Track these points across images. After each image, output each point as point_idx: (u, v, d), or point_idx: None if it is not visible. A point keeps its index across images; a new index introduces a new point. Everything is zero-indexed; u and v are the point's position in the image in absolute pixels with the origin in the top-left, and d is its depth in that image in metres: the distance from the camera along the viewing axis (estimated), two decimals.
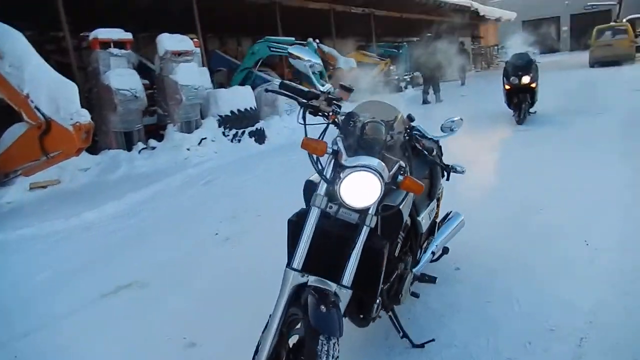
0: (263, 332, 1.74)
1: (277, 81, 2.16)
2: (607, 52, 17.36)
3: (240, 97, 8.35)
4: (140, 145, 7.34)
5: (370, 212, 1.74)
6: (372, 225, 1.75)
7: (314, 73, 1.88)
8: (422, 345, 2.21)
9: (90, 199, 5.39)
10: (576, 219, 3.56)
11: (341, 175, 1.69)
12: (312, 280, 1.69)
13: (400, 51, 16.10)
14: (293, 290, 1.69)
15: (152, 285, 3.25)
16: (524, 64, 7.95)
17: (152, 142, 7.49)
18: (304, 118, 1.83)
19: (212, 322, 2.67)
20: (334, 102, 1.83)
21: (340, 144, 1.72)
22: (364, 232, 1.74)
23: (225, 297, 2.94)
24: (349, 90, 1.87)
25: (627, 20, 21.28)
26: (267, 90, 1.92)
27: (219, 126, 8.07)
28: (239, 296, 2.90)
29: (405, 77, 16.73)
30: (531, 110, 8.02)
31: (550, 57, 23.45)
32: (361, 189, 1.68)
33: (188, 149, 7.37)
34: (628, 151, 5.32)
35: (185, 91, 7.54)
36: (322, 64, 1.99)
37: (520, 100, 7.70)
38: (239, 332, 2.32)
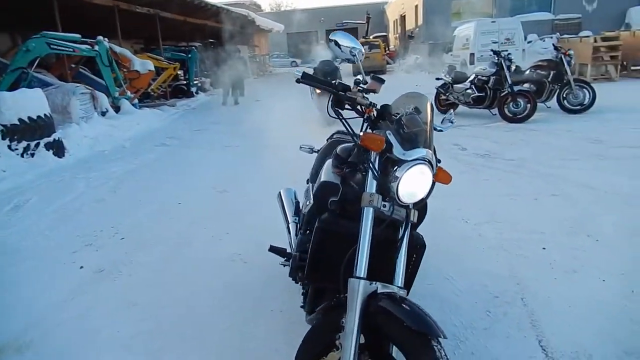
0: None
1: (298, 70, 1.86)
2: (365, 63, 20.24)
3: (29, 103, 6.85)
4: None
5: (411, 207, 1.69)
6: (415, 220, 1.70)
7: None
8: None
9: None
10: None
11: (398, 170, 1.60)
12: (380, 287, 1.55)
13: (190, 55, 15.60)
14: (365, 302, 1.52)
15: None
16: (331, 70, 8.72)
17: None
18: (335, 111, 1.66)
19: None
20: (366, 94, 1.72)
21: (393, 138, 1.62)
22: (409, 228, 1.68)
23: None
24: (381, 81, 1.77)
25: (375, 37, 25.24)
26: (298, 81, 1.66)
27: (3, 138, 6.48)
28: None
29: (196, 81, 16.32)
30: None
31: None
32: (417, 182, 1.62)
33: None
34: None
35: None
36: (363, 50, 1.84)
37: None
38: None
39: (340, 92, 1.68)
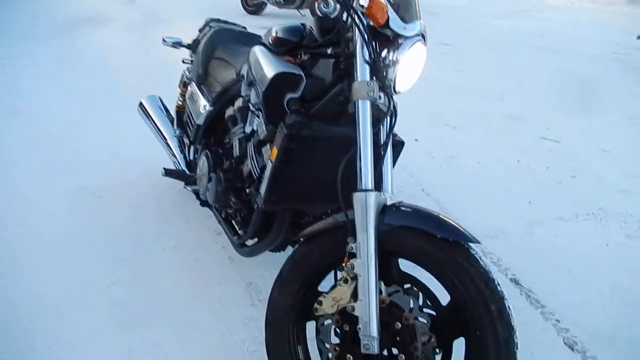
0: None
1: None
2: None
3: None
4: None
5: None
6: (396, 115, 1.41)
7: None
8: None
9: None
10: None
11: (395, 50, 1.25)
12: (389, 198, 1.26)
13: None
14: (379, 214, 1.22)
15: None
16: None
17: None
18: None
19: None
20: None
21: (390, 6, 1.23)
22: (395, 125, 1.39)
23: None
24: None
25: None
26: None
27: None
28: None
29: None
30: None
31: None
32: (414, 64, 1.30)
33: None
34: None
35: None
36: None
37: None
38: None
39: None
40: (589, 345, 1.62)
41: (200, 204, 2.02)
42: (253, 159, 1.56)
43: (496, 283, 1.14)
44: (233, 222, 1.82)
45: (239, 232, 1.77)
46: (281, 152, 1.35)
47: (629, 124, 3.89)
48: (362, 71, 1.24)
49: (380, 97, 1.27)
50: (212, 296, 1.86)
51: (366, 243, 1.18)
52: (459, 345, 1.19)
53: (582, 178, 2.88)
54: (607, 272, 2.03)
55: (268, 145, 1.49)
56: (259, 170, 1.53)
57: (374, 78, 1.25)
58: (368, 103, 1.24)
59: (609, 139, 3.48)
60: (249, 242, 1.73)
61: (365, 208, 1.19)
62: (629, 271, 2.05)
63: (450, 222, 1.21)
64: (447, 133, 3.45)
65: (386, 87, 1.29)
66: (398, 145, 1.53)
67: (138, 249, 2.11)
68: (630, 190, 2.73)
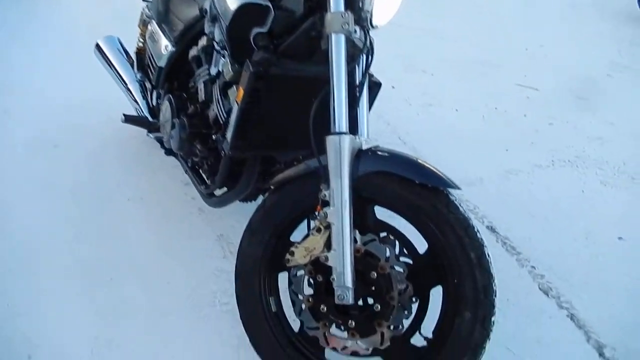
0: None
1: None
2: None
3: None
4: None
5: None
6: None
7: None
8: None
9: None
10: None
11: None
12: (364, 142, 1.17)
13: None
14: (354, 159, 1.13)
15: None
16: None
17: None
18: None
19: None
20: None
21: None
22: (371, 62, 1.29)
23: None
24: None
25: None
26: None
27: None
28: None
29: None
30: None
31: None
32: None
33: None
34: None
35: None
36: None
37: None
38: None
39: None
40: (564, 291, 1.62)
41: (165, 152, 1.91)
42: (219, 103, 1.44)
43: (475, 230, 1.09)
44: (200, 171, 1.72)
45: (207, 181, 1.67)
46: (247, 93, 1.24)
47: (607, 71, 3.84)
48: (336, 1, 1.12)
49: (355, 31, 1.16)
50: (182, 248, 1.79)
51: (340, 190, 1.10)
52: (435, 294, 1.16)
53: (559, 126, 2.85)
54: (582, 219, 2.03)
55: (235, 87, 1.37)
56: (225, 115, 1.42)
57: (349, 10, 1.14)
58: (342, 37, 1.13)
59: (586, 87, 3.44)
60: (218, 192, 1.64)
61: (339, 152, 1.11)
62: (603, 217, 2.05)
63: (429, 167, 1.14)
64: (424, 80, 3.34)
65: (362, 20, 1.18)
66: (375, 87, 1.44)
67: (101, 201, 2.00)
68: (606, 137, 2.72)
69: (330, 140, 1.11)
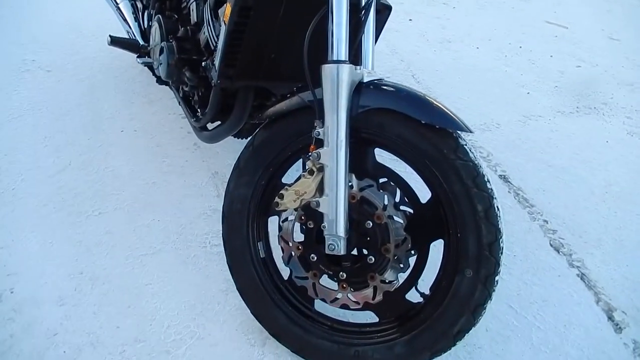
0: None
1: None
2: None
3: None
4: None
5: None
6: None
7: None
8: None
9: None
10: None
11: None
12: (366, 74, 1.03)
13: None
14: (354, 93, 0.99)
15: None
16: None
17: None
18: None
19: None
20: None
21: None
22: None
23: None
24: None
25: None
26: None
27: None
28: None
29: None
30: None
31: None
32: None
33: None
34: None
35: None
36: None
37: None
38: None
39: None
40: (576, 248, 1.52)
41: (157, 81, 1.77)
42: (209, 24, 1.29)
43: (486, 179, 0.96)
44: (192, 102, 1.59)
45: (198, 113, 1.54)
46: (236, 12, 1.08)
47: None
48: None
49: None
50: (174, 185, 1.70)
51: (335, 127, 0.98)
52: (436, 248, 1.05)
53: (587, 68, 2.63)
54: (603, 171, 1.88)
55: (226, 5, 1.21)
56: (216, 39, 1.27)
57: None
58: None
59: (619, 26, 3.16)
60: (210, 126, 1.52)
61: (337, 84, 0.97)
62: (626, 170, 1.90)
63: (438, 105, 1.00)
64: (445, 13, 3.10)
65: None
66: (384, 11, 1.26)
67: (92, 130, 1.90)
68: (638, 84, 2.51)
69: (327, 69, 0.97)
